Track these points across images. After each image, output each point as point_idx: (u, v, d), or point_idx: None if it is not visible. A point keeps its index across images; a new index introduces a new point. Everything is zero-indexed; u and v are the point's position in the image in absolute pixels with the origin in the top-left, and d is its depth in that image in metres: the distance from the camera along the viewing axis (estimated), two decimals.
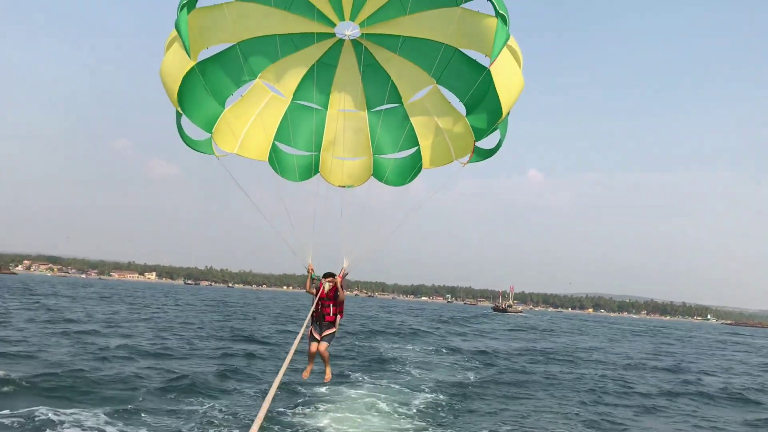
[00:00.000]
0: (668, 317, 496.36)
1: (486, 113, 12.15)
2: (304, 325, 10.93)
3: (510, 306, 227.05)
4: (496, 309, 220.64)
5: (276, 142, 13.89)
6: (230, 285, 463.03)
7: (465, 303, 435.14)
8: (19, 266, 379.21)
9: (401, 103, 13.64)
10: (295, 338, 9.23)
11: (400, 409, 24.58)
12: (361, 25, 12.18)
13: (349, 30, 12.32)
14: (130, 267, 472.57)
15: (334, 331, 12.93)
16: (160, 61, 11.79)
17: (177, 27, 10.90)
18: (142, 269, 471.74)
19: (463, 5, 11.41)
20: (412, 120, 13.57)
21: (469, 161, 13.00)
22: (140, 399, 23.19)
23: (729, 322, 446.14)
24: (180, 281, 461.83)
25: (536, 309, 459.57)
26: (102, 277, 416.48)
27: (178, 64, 11.46)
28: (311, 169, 14.44)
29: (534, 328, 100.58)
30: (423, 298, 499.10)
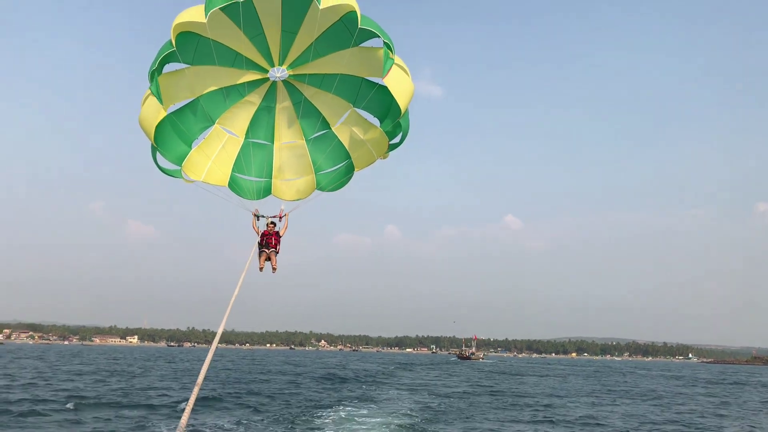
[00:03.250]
0: (650, 358, 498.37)
1: (392, 118, 16.19)
2: (252, 252, 16.58)
3: (473, 354, 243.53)
4: (460, 357, 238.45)
5: (234, 173, 17.64)
6: None
7: (449, 353, 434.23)
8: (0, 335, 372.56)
9: (330, 129, 17.59)
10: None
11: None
12: (289, 68, 16.16)
13: (279, 73, 16.21)
14: (111, 331, 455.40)
15: (276, 251, 17.74)
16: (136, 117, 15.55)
17: (153, 90, 14.63)
18: (124, 333, 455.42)
19: (360, 45, 15.34)
20: (341, 139, 17.49)
21: (385, 155, 17.27)
22: None
23: (709, 360, 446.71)
24: (162, 343, 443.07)
25: (520, 356, 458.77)
26: (84, 342, 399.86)
27: (153, 114, 15.14)
28: (265, 191, 18.25)
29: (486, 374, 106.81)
30: (408, 350, 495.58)
